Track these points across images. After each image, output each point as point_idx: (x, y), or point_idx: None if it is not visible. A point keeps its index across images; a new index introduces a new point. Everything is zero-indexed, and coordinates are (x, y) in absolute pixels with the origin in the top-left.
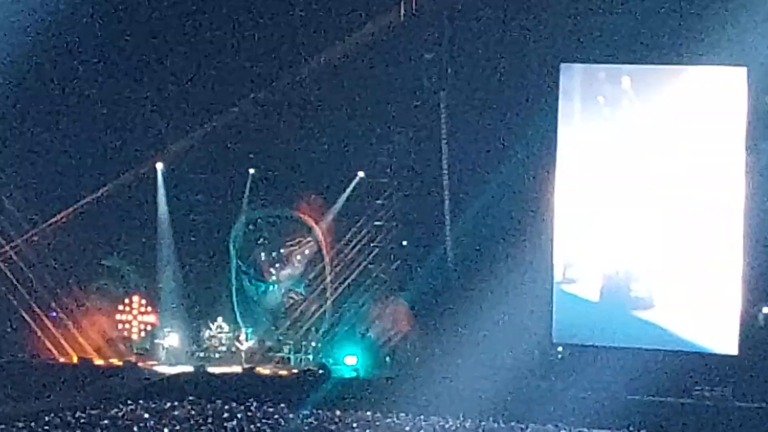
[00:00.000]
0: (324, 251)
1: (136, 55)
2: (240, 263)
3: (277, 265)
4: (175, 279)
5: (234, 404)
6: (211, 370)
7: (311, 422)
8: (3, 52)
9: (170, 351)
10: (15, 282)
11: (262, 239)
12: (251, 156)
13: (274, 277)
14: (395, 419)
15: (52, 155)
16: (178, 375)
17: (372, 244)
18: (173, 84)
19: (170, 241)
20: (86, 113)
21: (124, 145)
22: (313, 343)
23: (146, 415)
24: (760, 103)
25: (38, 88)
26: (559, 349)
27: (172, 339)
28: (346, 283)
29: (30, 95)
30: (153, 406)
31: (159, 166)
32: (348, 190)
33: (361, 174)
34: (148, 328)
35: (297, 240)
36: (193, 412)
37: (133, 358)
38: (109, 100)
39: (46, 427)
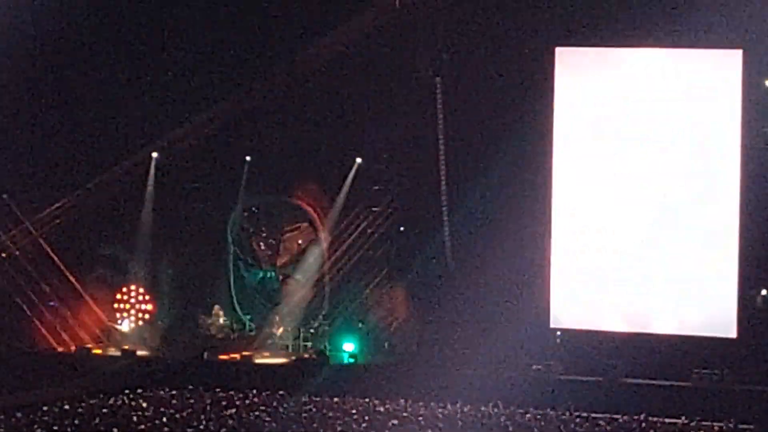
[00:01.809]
0: (321, 238)
1: (132, 42)
2: (237, 251)
3: (274, 252)
4: (172, 267)
5: (232, 392)
6: (209, 358)
7: (310, 409)
8: None
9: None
10: (12, 272)
11: (259, 227)
12: (248, 143)
13: (271, 265)
14: (394, 405)
15: (49, 144)
16: (176, 363)
17: (370, 230)
18: (169, 72)
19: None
20: (82, 101)
21: (120, 133)
22: (311, 330)
23: (145, 404)
24: (757, 85)
25: (34, 77)
26: (557, 333)
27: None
28: (344, 270)
29: (26, 84)
30: (151, 394)
31: (154, 154)
32: (350, 177)
33: (359, 160)
34: (146, 316)
35: (294, 227)
36: (191, 401)
37: (130, 347)
38: (105, 88)
39: (45, 418)
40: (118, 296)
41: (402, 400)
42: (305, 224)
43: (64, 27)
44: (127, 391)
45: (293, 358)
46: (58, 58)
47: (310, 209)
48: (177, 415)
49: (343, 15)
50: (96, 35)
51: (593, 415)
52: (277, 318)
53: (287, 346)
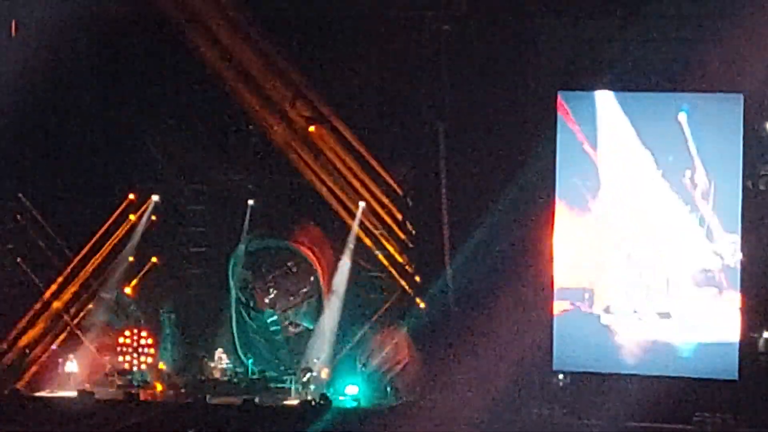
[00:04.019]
0: (321, 282)
1: (133, 82)
2: (239, 294)
3: (275, 296)
4: (175, 311)
5: None
6: (211, 401)
7: None
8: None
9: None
10: (14, 316)
11: (259, 270)
12: (250, 187)
13: (272, 308)
14: None
15: (50, 189)
16: (178, 406)
17: (371, 274)
18: (171, 115)
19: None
20: (84, 145)
21: (120, 176)
22: (314, 374)
23: None
24: (757, 129)
25: (36, 116)
26: (560, 376)
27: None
28: (346, 313)
29: (27, 123)
30: None
31: (155, 197)
32: (357, 221)
33: (362, 204)
34: (149, 360)
35: (295, 271)
36: None
37: (133, 390)
38: (108, 131)
39: None
40: (121, 340)
41: None
42: (306, 268)
43: (64, 69)
44: None
45: (296, 401)
46: (60, 100)
47: (310, 254)
48: None
49: (346, 58)
50: (97, 76)
51: None
52: (315, 361)
53: (290, 390)
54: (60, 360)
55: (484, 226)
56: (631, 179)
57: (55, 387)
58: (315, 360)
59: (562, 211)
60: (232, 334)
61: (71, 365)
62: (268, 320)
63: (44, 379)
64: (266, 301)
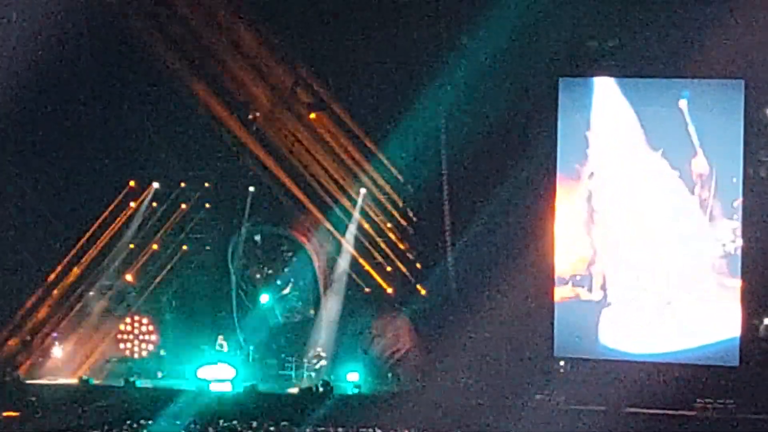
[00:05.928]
0: (321, 269)
1: (135, 71)
2: (240, 281)
3: (274, 283)
4: (175, 297)
5: (236, 423)
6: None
7: None
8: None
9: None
10: (16, 302)
11: (259, 257)
12: (251, 174)
13: (272, 295)
14: None
15: (51, 176)
16: (180, 394)
17: (373, 260)
18: (171, 102)
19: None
20: (87, 132)
21: (122, 164)
22: (315, 361)
23: None
24: (758, 115)
25: (37, 104)
26: (561, 363)
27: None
28: (348, 300)
29: (27, 113)
30: (155, 425)
31: (155, 184)
32: (358, 208)
33: (363, 191)
34: (150, 347)
35: (294, 259)
36: None
37: (133, 377)
38: (108, 119)
39: None
40: (121, 327)
41: (406, 430)
42: (305, 257)
43: (64, 57)
44: (129, 422)
45: (297, 388)
46: (61, 88)
47: (309, 242)
48: None
49: (347, 46)
50: (98, 64)
51: None
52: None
53: (291, 377)
54: (60, 347)
55: (486, 214)
56: (632, 167)
57: (55, 374)
58: (317, 347)
59: (563, 198)
60: (233, 321)
61: (72, 352)
62: (268, 307)
63: (45, 366)
64: (266, 288)
